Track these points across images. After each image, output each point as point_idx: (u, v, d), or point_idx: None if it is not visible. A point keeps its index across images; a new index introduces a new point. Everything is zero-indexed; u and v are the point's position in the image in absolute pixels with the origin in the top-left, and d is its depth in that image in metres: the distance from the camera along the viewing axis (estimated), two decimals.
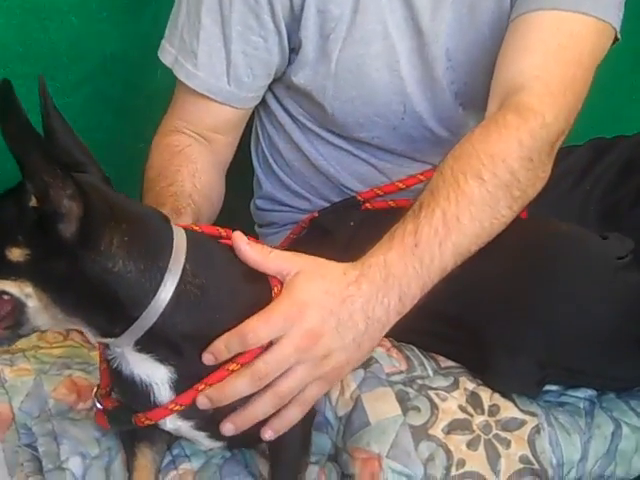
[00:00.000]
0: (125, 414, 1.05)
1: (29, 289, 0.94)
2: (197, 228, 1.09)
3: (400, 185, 1.44)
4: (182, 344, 0.98)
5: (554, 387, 1.25)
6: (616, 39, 1.35)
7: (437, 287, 1.14)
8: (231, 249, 1.04)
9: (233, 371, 0.98)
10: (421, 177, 1.43)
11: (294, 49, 1.38)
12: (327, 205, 1.51)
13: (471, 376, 1.22)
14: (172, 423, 1.04)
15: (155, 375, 1.00)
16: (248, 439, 1.08)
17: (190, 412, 1.02)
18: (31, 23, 1.58)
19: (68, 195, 0.89)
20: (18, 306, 0.95)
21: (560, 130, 1.23)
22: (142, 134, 1.48)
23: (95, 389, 1.10)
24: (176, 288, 0.95)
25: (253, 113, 1.53)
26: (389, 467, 1.11)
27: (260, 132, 1.56)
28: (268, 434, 1.03)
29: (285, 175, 1.54)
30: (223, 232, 1.09)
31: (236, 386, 0.99)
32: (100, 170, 1.05)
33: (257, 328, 0.97)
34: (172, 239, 0.98)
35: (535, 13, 1.29)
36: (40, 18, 1.59)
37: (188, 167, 1.32)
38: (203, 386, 0.99)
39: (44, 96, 1.02)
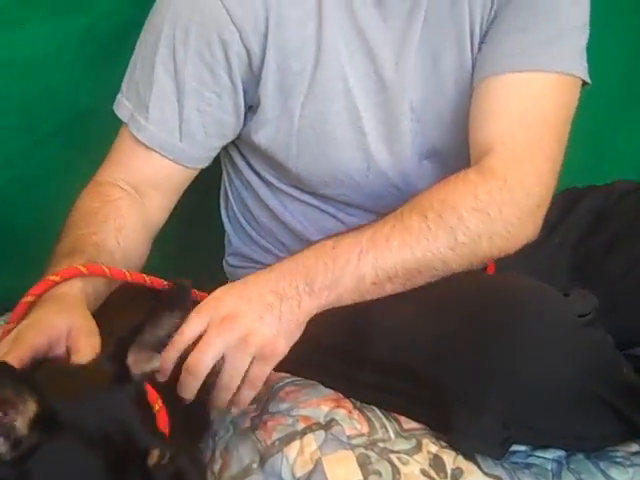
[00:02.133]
0: None
1: None
2: None
3: None
4: None
5: (522, 447, 1.24)
6: (585, 83, 1.36)
7: (403, 342, 1.19)
8: None
9: None
10: None
11: (251, 107, 1.37)
12: None
13: (434, 438, 1.20)
14: None
15: None
16: None
17: None
18: (4, 74, 1.58)
19: None
20: None
21: (533, 197, 1.26)
22: None
23: None
24: None
25: (221, 170, 1.53)
26: None
27: (228, 188, 1.55)
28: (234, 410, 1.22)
29: (254, 231, 1.53)
30: (148, 279, 1.19)
31: (184, 385, 1.12)
32: None
33: (182, 331, 1.10)
34: None
35: (497, 77, 1.31)
36: (13, 70, 1.59)
37: (116, 221, 1.28)
38: None
39: None
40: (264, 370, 1.16)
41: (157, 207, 1.38)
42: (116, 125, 1.48)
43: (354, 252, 1.18)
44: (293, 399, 1.24)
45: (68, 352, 1.03)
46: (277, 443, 1.18)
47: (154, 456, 0.88)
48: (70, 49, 1.62)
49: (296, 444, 1.17)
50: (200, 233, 1.76)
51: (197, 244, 1.77)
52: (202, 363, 1.12)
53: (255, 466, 1.17)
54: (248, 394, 1.17)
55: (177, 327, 0.98)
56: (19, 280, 1.66)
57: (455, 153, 1.39)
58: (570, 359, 1.13)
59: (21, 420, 0.86)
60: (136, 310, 1.11)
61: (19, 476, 0.86)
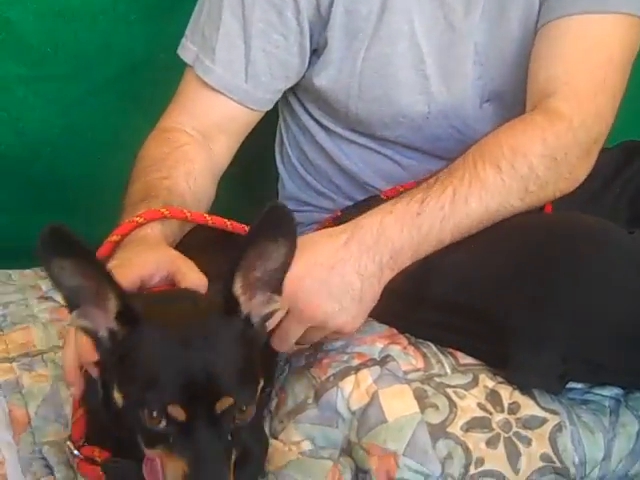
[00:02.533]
0: (126, 468, 0.98)
1: None
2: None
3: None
4: None
5: (579, 385, 1.22)
6: None
7: (457, 278, 1.19)
8: None
9: None
10: None
11: (316, 50, 1.38)
12: (351, 204, 1.50)
13: (491, 373, 1.20)
14: None
15: None
16: None
17: None
18: (60, 25, 1.61)
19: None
20: None
21: (592, 133, 1.26)
22: None
23: (68, 439, 1.06)
24: None
25: (277, 117, 1.54)
26: (405, 465, 1.10)
27: (284, 133, 1.55)
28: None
29: (309, 175, 1.53)
30: (229, 224, 1.18)
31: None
32: None
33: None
34: None
35: (562, 20, 1.29)
36: (69, 20, 1.61)
37: (185, 165, 1.30)
38: None
39: None
40: (337, 337, 1.22)
41: (222, 151, 1.40)
42: (169, 75, 1.49)
43: (437, 219, 1.17)
44: (348, 337, 1.24)
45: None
46: (332, 378, 1.19)
47: (224, 403, 0.83)
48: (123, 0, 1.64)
49: (351, 379, 1.18)
50: (252, 178, 1.76)
51: (249, 190, 1.78)
52: (284, 348, 1.17)
53: (310, 401, 1.19)
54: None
55: (287, 259, 0.88)
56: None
57: (516, 96, 1.37)
58: (634, 294, 1.11)
59: (108, 313, 0.86)
60: (216, 253, 1.11)
61: (117, 362, 0.87)
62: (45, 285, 1.50)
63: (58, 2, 1.59)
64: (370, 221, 1.16)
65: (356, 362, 1.20)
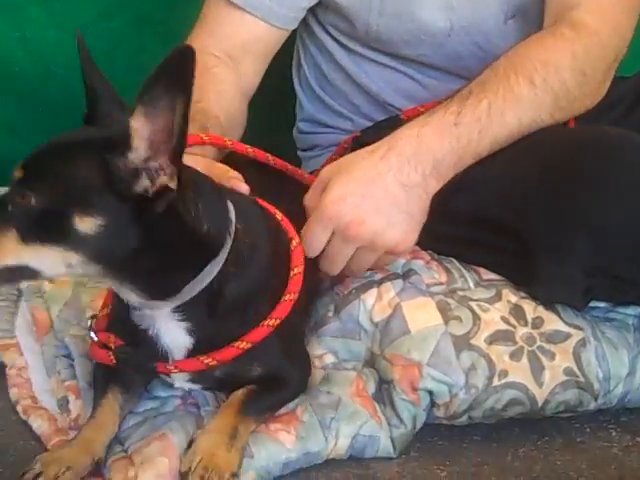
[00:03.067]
0: (139, 358, 1.04)
1: (75, 261, 0.88)
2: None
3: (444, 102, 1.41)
4: (221, 308, 0.99)
5: (602, 304, 1.21)
6: None
7: (481, 192, 1.17)
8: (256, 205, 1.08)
9: (271, 326, 1.01)
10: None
11: None
12: (370, 125, 1.47)
13: (514, 289, 1.19)
14: (181, 384, 1.07)
15: (177, 338, 1.00)
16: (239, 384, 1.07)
17: (203, 378, 1.04)
18: None
19: (169, 174, 0.87)
20: (31, 273, 0.90)
21: (615, 47, 1.24)
22: None
23: (90, 321, 1.08)
24: (231, 248, 0.97)
25: (295, 38, 1.51)
26: (429, 375, 1.09)
27: (302, 54, 1.53)
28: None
29: (327, 96, 1.51)
30: (250, 149, 1.18)
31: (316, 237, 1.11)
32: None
33: (309, 242, 1.11)
34: (226, 201, 0.99)
35: None
36: None
37: (216, 87, 1.28)
38: (242, 343, 1.00)
39: (84, 53, 0.99)
40: (392, 259, 1.19)
41: (251, 72, 1.39)
42: None
43: (475, 130, 1.14)
44: (402, 257, 1.22)
45: None
46: (354, 291, 1.18)
47: (16, 173, 0.89)
48: None
49: (373, 291, 1.17)
50: (270, 101, 1.74)
51: (267, 113, 1.75)
52: (333, 270, 1.14)
53: (330, 314, 1.18)
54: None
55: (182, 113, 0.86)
56: None
57: (540, 13, 1.34)
58: None
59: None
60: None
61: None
62: None
63: None
64: (407, 133, 1.13)
65: (379, 276, 1.19)
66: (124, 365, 1.04)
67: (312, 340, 1.17)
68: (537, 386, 1.11)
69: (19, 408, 1.13)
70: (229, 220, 0.98)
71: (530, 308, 1.16)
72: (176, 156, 0.86)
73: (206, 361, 1.00)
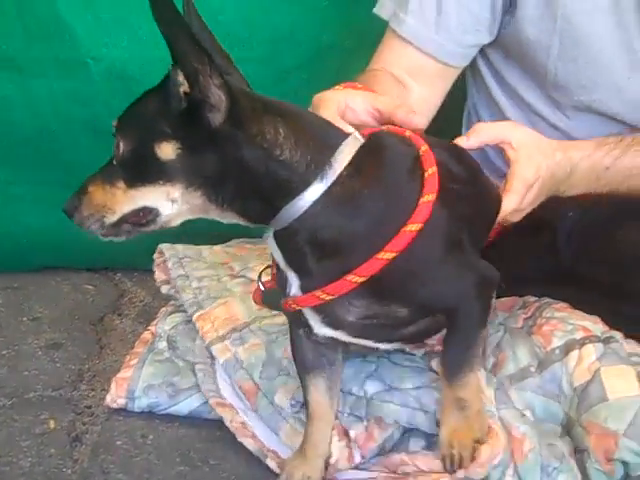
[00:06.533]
0: (276, 297, 1.07)
1: (177, 193, 0.95)
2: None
3: None
4: (310, 252, 0.99)
5: None
6: None
7: None
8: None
9: (384, 259, 0.98)
10: None
11: (509, 10, 1.36)
12: None
13: None
14: (320, 330, 1.06)
15: (288, 271, 1.03)
16: (420, 335, 1.11)
17: (338, 322, 1.04)
18: (256, 11, 1.66)
19: (216, 84, 0.92)
20: (151, 215, 0.98)
21: None
22: None
23: (261, 270, 1.14)
24: (327, 189, 0.97)
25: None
26: (626, 446, 1.07)
27: (472, 110, 1.55)
28: None
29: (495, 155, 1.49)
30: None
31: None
32: (242, 76, 1.07)
33: (511, 202, 1.16)
34: (339, 143, 0.99)
35: None
36: (264, 6, 1.66)
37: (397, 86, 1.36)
38: (353, 276, 0.98)
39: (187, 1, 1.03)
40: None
41: (418, 98, 1.40)
42: (353, 61, 1.52)
43: (619, 177, 1.24)
44: (567, 311, 1.24)
45: None
46: (557, 352, 1.18)
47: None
48: None
49: (575, 354, 1.17)
50: None
51: None
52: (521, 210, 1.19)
53: (533, 370, 1.18)
54: None
55: None
56: None
57: None
58: None
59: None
60: None
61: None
62: (238, 265, 1.56)
63: None
64: (572, 155, 1.23)
65: (581, 334, 1.20)
66: (265, 302, 1.12)
67: (511, 391, 1.17)
68: None
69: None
70: (327, 158, 0.97)
71: None
72: (193, 75, 0.91)
73: (321, 295, 1.00)
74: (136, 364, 1.38)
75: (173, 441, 1.30)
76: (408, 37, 1.38)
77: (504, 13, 1.37)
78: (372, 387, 1.19)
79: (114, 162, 0.98)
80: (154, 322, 1.51)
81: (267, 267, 1.13)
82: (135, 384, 1.35)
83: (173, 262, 1.53)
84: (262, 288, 1.11)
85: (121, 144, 0.97)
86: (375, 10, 1.44)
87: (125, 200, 0.97)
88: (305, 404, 1.14)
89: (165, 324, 1.48)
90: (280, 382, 1.24)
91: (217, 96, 0.92)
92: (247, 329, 1.35)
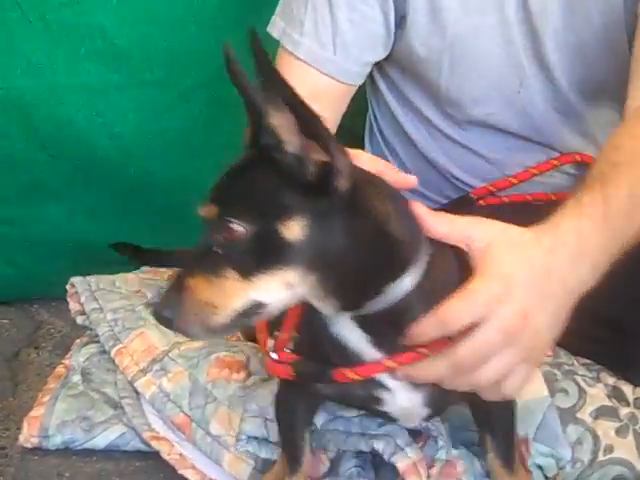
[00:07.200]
0: (317, 368, 0.99)
1: (295, 279, 0.85)
2: None
3: (513, 180, 1.45)
4: (391, 331, 0.92)
5: None
6: None
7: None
8: None
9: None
10: (533, 171, 1.44)
11: (400, 24, 1.36)
12: (443, 200, 1.52)
13: (609, 372, 1.24)
14: (400, 395, 0.99)
15: (361, 342, 0.95)
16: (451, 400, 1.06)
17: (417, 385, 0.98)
18: (153, 32, 1.64)
19: (340, 150, 0.84)
20: (260, 307, 0.87)
21: None
22: None
23: (269, 342, 1.08)
24: (427, 265, 0.91)
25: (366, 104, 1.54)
26: (537, 451, 1.10)
27: (374, 123, 1.57)
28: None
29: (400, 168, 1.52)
30: None
31: (435, 370, 0.91)
32: None
33: (460, 310, 0.87)
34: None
35: None
36: (161, 27, 1.64)
37: None
38: (423, 350, 0.91)
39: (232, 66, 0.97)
40: (525, 378, 0.94)
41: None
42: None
43: (622, 219, 0.99)
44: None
45: None
46: None
47: (207, 210, 0.88)
48: (211, 7, 1.66)
49: None
50: None
51: None
52: (474, 364, 0.90)
53: None
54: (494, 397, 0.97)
55: None
56: (158, 232, 1.74)
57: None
58: None
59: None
60: None
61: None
62: (150, 291, 1.55)
63: (150, 10, 1.62)
64: (568, 227, 0.96)
65: None
66: (302, 377, 1.01)
67: None
68: None
69: None
70: (421, 233, 0.91)
71: (629, 389, 1.22)
72: (323, 140, 0.83)
73: (387, 364, 0.93)
74: (48, 401, 1.35)
75: (91, 476, 1.28)
76: (308, 59, 1.36)
77: (397, 27, 1.37)
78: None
79: (215, 249, 0.86)
80: (68, 355, 1.49)
81: (274, 338, 1.06)
82: (48, 422, 1.31)
83: (86, 296, 1.50)
84: (276, 357, 1.02)
85: (242, 229, 0.84)
86: (268, 28, 1.42)
87: (237, 293, 0.85)
88: (291, 459, 1.11)
89: (80, 356, 1.46)
90: (211, 410, 1.24)
91: (342, 159, 0.84)
92: (167, 357, 1.34)
